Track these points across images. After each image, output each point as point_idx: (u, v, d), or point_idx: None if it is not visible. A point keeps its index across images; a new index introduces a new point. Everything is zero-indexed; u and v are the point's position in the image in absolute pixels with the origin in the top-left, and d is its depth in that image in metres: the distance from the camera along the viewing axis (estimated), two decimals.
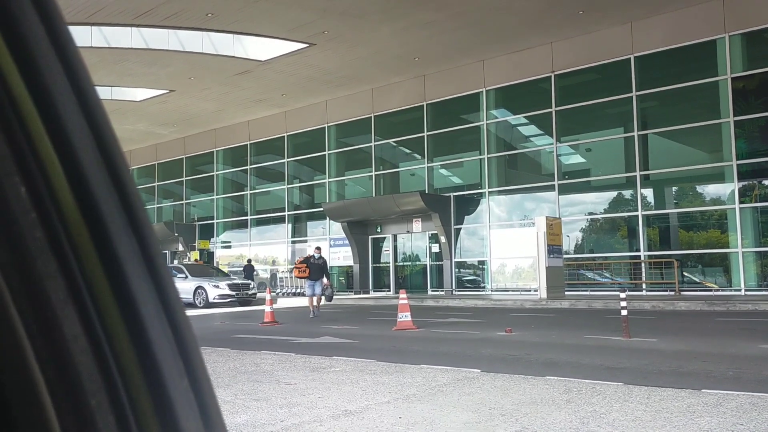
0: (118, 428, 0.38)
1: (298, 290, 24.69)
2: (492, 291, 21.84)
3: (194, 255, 30.18)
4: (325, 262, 14.74)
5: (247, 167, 30.12)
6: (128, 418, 0.38)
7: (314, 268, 14.17)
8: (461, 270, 23.34)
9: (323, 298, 14.38)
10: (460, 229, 23.07)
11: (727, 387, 5.07)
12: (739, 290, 17.38)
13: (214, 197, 31.81)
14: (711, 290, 18.01)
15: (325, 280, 14.40)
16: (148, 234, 0.41)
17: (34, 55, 0.40)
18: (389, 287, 24.53)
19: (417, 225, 23.78)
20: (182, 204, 33.65)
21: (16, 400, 0.36)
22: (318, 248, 15.22)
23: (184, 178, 33.34)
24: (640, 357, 7.32)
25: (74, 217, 0.39)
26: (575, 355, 7.70)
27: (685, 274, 18.71)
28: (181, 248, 31.56)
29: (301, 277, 14.47)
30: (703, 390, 4.92)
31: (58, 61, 0.41)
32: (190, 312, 17.88)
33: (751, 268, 17.84)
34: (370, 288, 25.00)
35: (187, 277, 20.56)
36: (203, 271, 22.40)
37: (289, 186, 28.86)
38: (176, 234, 30.76)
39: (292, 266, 13.25)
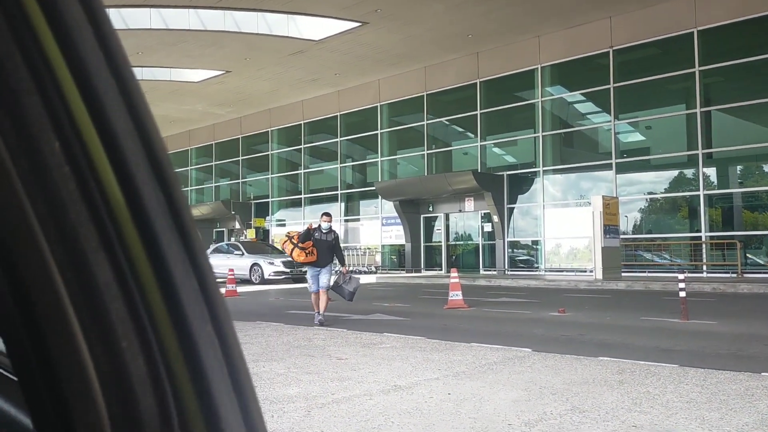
0: (147, 368, 0.41)
1: (364, 268, 24.89)
2: (545, 271, 21.57)
3: (250, 233, 30.80)
4: (337, 238, 9.61)
5: (301, 146, 30.45)
6: (156, 360, 0.41)
7: (321, 247, 9.26)
8: (514, 250, 23.11)
9: (344, 294, 9.44)
10: (513, 208, 22.80)
11: None
12: None
13: (269, 176, 32.31)
14: None
15: (338, 266, 9.72)
16: (175, 186, 0.44)
17: (74, 37, 0.43)
18: (441, 266, 24.52)
19: (469, 204, 23.63)
20: (239, 183, 34.32)
21: (55, 344, 0.40)
22: (327, 215, 9.61)
23: (240, 158, 33.96)
24: (698, 339, 7.13)
25: (106, 170, 0.43)
26: (630, 336, 7.57)
27: (749, 255, 18.04)
28: (237, 226, 32.27)
29: (305, 263, 9.42)
30: (762, 373, 4.77)
31: (96, 40, 0.44)
32: (246, 288, 18.35)
33: None
34: (422, 267, 25.05)
35: (243, 254, 21.04)
36: (259, 249, 22.85)
37: (342, 165, 29.05)
38: (233, 212, 31.45)
39: (288, 240, 9.77)
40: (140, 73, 25.50)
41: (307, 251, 9.16)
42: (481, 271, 23.14)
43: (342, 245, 10.46)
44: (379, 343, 6.63)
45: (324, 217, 9.50)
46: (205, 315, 0.43)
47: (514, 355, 5.79)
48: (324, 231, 9.38)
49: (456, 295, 11.30)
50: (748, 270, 17.40)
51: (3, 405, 0.63)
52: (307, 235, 9.30)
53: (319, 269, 9.26)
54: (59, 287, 0.40)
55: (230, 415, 0.43)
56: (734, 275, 17.03)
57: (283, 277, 20.26)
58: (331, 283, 9.40)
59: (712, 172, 19.19)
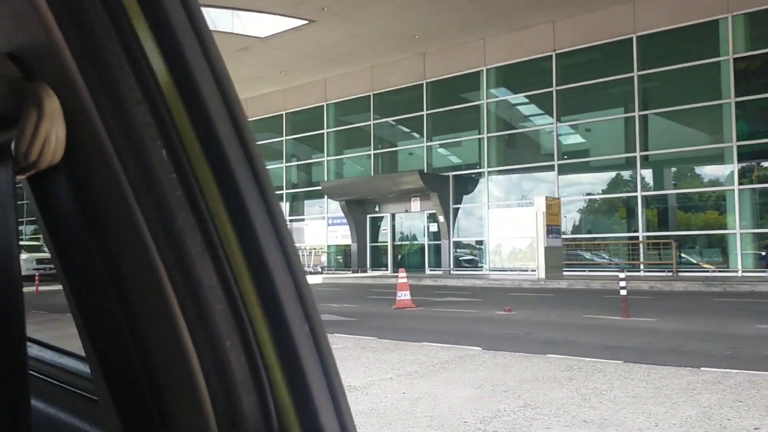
0: (248, 367, 0.44)
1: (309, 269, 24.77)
2: (490, 271, 21.92)
3: None
4: None
5: None
6: (256, 359, 0.44)
7: None
8: (459, 250, 23.40)
9: None
10: (459, 208, 23.09)
11: (725, 365, 5.12)
12: (736, 271, 17.47)
13: None
14: (708, 271, 18.10)
15: None
16: (270, 193, 0.48)
17: (178, 46, 0.47)
18: (387, 266, 24.60)
19: (415, 204, 23.79)
20: None
21: (161, 343, 0.43)
22: None
23: None
24: (640, 336, 7.37)
25: (207, 178, 0.45)
26: (575, 334, 7.76)
27: (683, 255, 18.79)
28: None
29: None
30: (702, 368, 4.97)
31: (199, 48, 0.48)
32: None
33: (749, 249, 17.92)
34: (368, 267, 25.07)
35: None
36: None
37: (287, 164, 28.80)
38: None
39: None
40: None
41: None
42: (427, 271, 23.32)
43: None
44: (331, 344, 6.58)
45: None
46: (301, 315, 0.46)
47: (465, 353, 5.85)
48: None
49: (404, 295, 11.35)
50: (682, 269, 18.12)
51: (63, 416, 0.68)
52: None
53: None
54: (167, 289, 0.43)
55: (325, 412, 0.46)
56: (670, 274, 17.70)
57: None
58: None
59: (648, 173, 19.89)
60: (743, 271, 17.39)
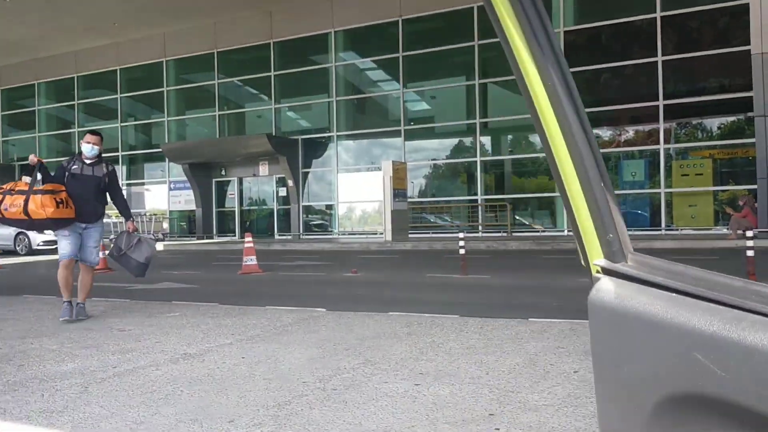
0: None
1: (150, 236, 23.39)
2: (339, 235, 22.10)
3: None
4: (112, 173, 6.04)
5: (74, 102, 27.57)
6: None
7: (84, 189, 5.79)
8: (309, 215, 23.33)
9: (130, 266, 6.12)
10: (308, 173, 22.94)
11: (551, 316, 5.51)
12: (563, 231, 19.02)
13: (36, 135, 28.88)
14: (538, 231, 19.53)
15: (127, 223, 6.22)
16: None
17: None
18: (235, 232, 23.98)
19: (264, 168, 23.29)
20: None
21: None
22: (92, 134, 6.00)
23: (0, 113, 29.86)
24: (476, 292, 7.76)
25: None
26: (417, 292, 8.01)
27: (517, 216, 20.11)
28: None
29: (58, 219, 5.65)
30: (530, 319, 5.30)
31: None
32: (11, 260, 16.29)
33: None
34: (214, 233, 24.28)
35: None
36: None
37: (123, 124, 26.88)
38: None
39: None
40: None
41: (58, 199, 5.53)
42: (276, 237, 23.04)
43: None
44: (167, 312, 6.25)
45: (87, 136, 5.93)
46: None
47: (309, 315, 5.81)
48: (88, 160, 5.81)
49: (250, 260, 11.10)
50: (516, 230, 19.39)
51: None
52: (62, 172, 5.83)
53: (81, 227, 5.76)
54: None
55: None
56: (505, 234, 18.88)
57: (56, 246, 18.32)
58: (112, 251, 6.15)
59: (487, 140, 20.94)
60: (569, 231, 18.97)
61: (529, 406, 2.94)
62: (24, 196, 5.51)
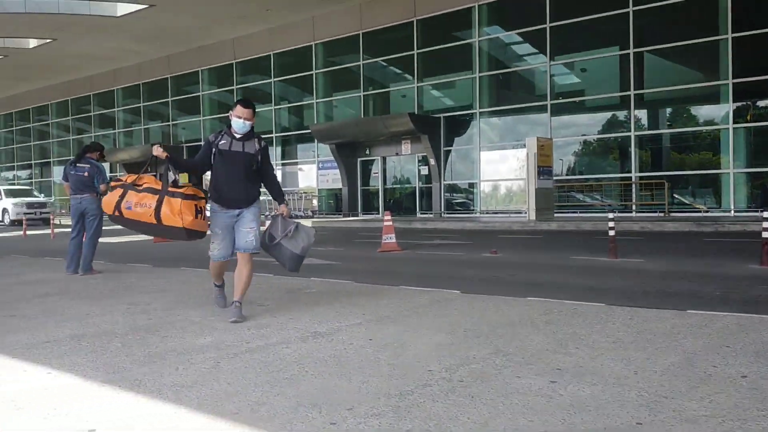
0: None
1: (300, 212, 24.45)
2: (481, 213, 21.70)
3: (183, 178, 29.67)
4: (265, 149, 4.95)
5: (233, 87, 29.28)
6: None
7: (234, 168, 4.84)
8: (451, 193, 23.12)
9: (284, 258, 5.04)
10: (450, 151, 22.69)
11: (713, 308, 4.90)
12: (728, 211, 17.28)
13: (201, 119, 31.10)
14: (700, 211, 17.90)
15: (279, 207, 5.02)
16: None
17: None
18: (378, 210, 24.35)
19: (406, 147, 23.37)
20: (169, 126, 32.90)
21: None
22: (243, 104, 4.81)
23: (170, 99, 32.47)
24: (626, 277, 7.16)
25: None
26: (560, 275, 7.55)
27: (675, 195, 18.56)
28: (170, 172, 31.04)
29: (187, 231, 4.79)
30: (688, 311, 4.74)
31: None
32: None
33: (742, 190, 17.69)
34: (359, 211, 24.82)
35: None
36: None
37: (276, 107, 28.18)
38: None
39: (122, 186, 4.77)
40: (56, 6, 23.74)
41: (198, 207, 4.81)
42: (418, 215, 23.10)
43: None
44: (305, 288, 6.35)
45: (239, 108, 4.77)
46: None
47: (443, 297, 5.62)
48: (238, 135, 4.81)
49: (389, 238, 11.12)
50: (674, 209, 17.91)
51: None
52: (206, 148, 4.84)
53: (232, 212, 4.84)
54: None
55: None
56: (662, 214, 17.50)
57: None
58: (264, 239, 4.96)
59: (642, 114, 19.46)
60: (735, 212, 17.20)
61: (685, 416, 2.54)
62: (156, 197, 4.73)
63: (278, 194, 5.06)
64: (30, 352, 3.94)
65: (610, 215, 9.30)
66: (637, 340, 3.85)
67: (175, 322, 4.79)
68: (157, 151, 4.78)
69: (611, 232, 9.07)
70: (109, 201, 4.97)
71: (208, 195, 4.93)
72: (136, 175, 5.04)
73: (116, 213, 4.90)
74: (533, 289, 6.19)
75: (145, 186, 4.88)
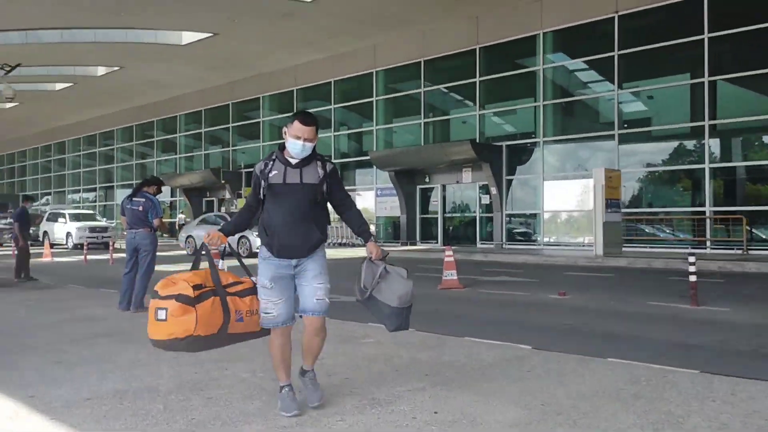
0: None
1: (343, 240, 24.32)
2: (544, 245, 20.96)
3: (240, 202, 30.06)
4: (334, 172, 3.88)
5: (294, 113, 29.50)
6: None
7: (289, 202, 3.65)
8: (512, 222, 22.48)
9: (382, 314, 3.76)
10: (512, 179, 22.10)
11: None
12: None
13: (261, 144, 31.47)
14: None
15: (367, 246, 3.81)
16: None
17: None
18: (437, 239, 23.90)
19: (467, 175, 22.92)
20: (229, 151, 33.45)
21: None
22: (304, 117, 3.76)
23: (231, 125, 33.04)
24: (713, 331, 6.51)
25: None
26: (638, 325, 6.94)
27: (754, 231, 17.43)
28: (228, 196, 31.51)
29: (251, 333, 3.78)
30: None
31: None
32: (229, 262, 17.56)
33: None
34: (417, 239, 24.42)
35: None
36: None
37: (335, 133, 28.21)
38: (223, 181, 30.63)
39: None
40: (124, 35, 24.46)
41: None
42: (478, 244, 22.52)
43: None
44: (362, 337, 5.97)
45: (296, 126, 3.72)
46: None
47: (512, 354, 5.14)
48: (294, 161, 3.76)
49: (450, 275, 10.67)
50: (752, 246, 16.80)
51: None
52: (256, 182, 3.82)
53: (289, 261, 3.69)
54: None
55: None
56: (740, 252, 16.43)
57: None
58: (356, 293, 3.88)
59: (715, 143, 18.46)
60: None
61: None
62: (217, 298, 3.54)
63: (362, 229, 3.87)
64: (69, 412, 3.69)
65: (691, 258, 8.58)
66: (746, 425, 3.30)
67: (222, 379, 4.48)
68: (215, 241, 3.68)
69: (692, 278, 8.36)
70: (209, 321, 3.46)
71: (255, 232, 3.92)
72: (219, 271, 3.70)
73: (218, 332, 3.52)
74: (611, 343, 5.64)
75: (245, 288, 3.72)
